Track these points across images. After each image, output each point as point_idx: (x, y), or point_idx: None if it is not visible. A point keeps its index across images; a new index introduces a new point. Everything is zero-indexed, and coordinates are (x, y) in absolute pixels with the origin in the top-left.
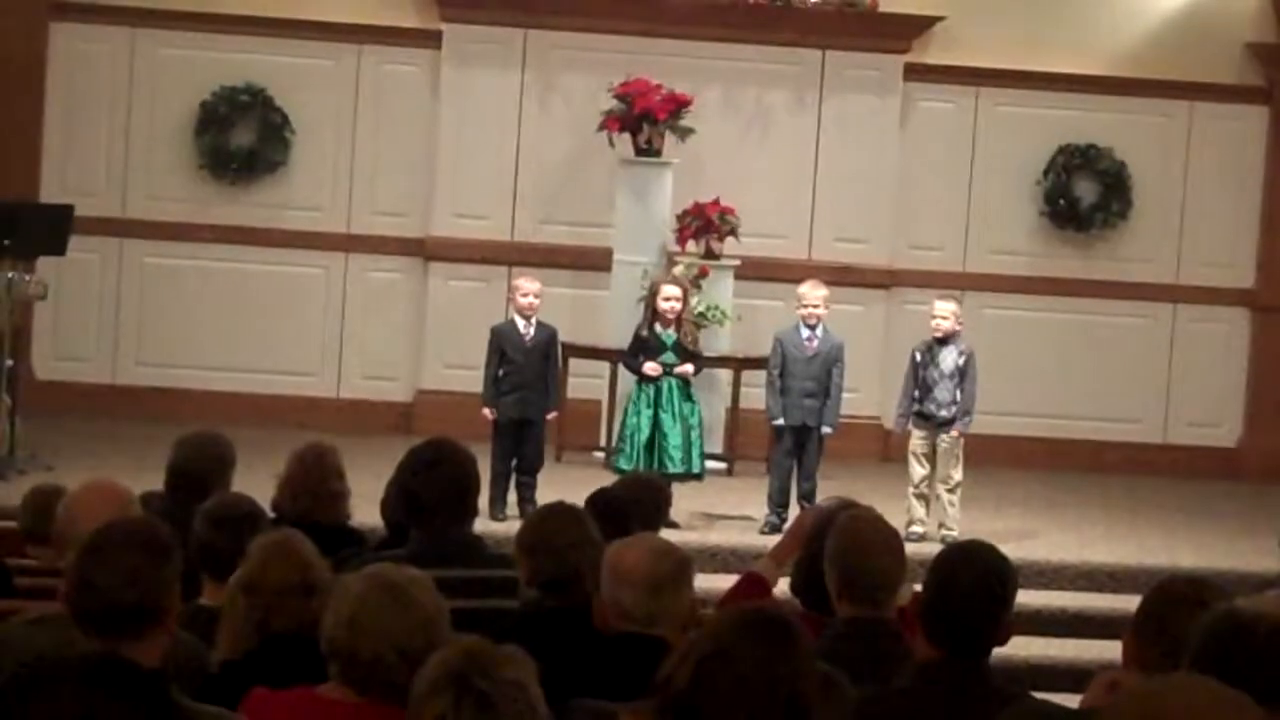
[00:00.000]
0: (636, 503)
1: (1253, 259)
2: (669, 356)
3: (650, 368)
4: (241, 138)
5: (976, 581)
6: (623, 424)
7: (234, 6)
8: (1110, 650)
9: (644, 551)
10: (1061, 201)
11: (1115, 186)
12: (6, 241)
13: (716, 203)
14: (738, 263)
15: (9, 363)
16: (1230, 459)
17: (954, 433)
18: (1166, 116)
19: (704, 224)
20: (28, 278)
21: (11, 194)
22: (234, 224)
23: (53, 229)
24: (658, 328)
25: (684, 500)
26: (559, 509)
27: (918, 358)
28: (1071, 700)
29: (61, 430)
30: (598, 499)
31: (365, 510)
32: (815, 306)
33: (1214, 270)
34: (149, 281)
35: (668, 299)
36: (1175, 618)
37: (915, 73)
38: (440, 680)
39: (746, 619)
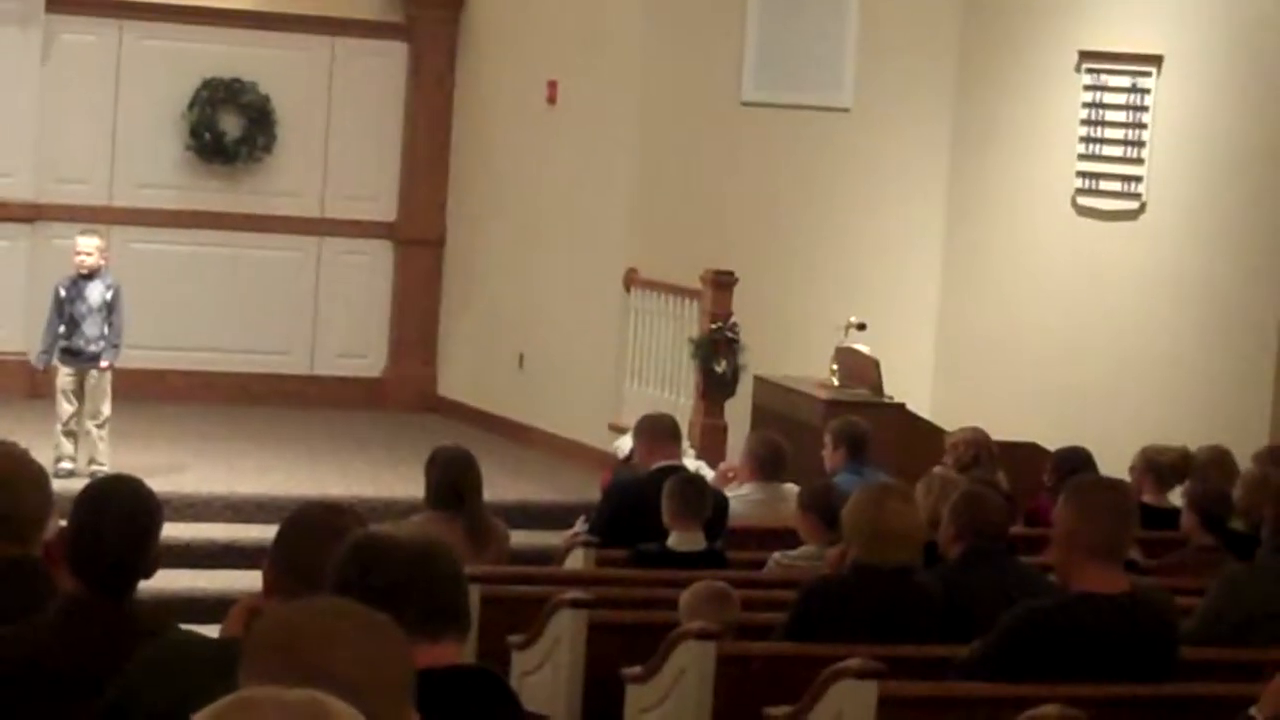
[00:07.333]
0: None
1: (395, 193)
2: None
3: None
4: None
5: (120, 515)
6: None
7: None
8: (260, 581)
9: None
10: (207, 135)
11: (260, 120)
12: None
13: None
14: None
15: None
16: (375, 389)
17: (103, 365)
18: (310, 51)
19: None
20: None
21: None
22: None
23: None
24: None
25: None
26: None
27: (62, 293)
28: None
29: None
30: None
31: None
32: None
33: (358, 204)
34: None
35: None
36: (308, 544)
37: (57, 5)
38: None
39: None
